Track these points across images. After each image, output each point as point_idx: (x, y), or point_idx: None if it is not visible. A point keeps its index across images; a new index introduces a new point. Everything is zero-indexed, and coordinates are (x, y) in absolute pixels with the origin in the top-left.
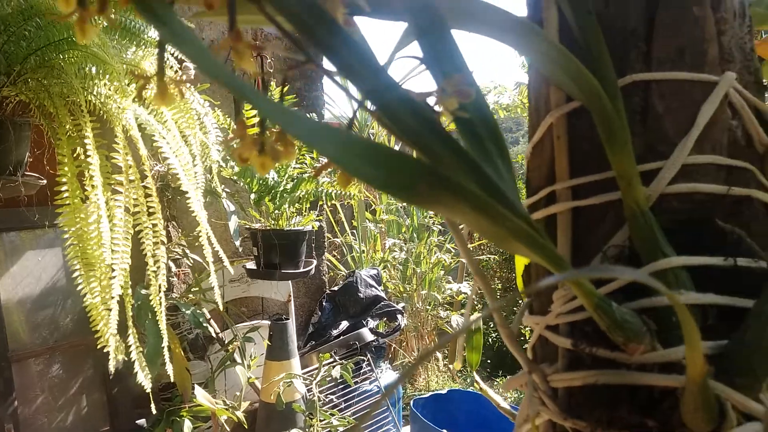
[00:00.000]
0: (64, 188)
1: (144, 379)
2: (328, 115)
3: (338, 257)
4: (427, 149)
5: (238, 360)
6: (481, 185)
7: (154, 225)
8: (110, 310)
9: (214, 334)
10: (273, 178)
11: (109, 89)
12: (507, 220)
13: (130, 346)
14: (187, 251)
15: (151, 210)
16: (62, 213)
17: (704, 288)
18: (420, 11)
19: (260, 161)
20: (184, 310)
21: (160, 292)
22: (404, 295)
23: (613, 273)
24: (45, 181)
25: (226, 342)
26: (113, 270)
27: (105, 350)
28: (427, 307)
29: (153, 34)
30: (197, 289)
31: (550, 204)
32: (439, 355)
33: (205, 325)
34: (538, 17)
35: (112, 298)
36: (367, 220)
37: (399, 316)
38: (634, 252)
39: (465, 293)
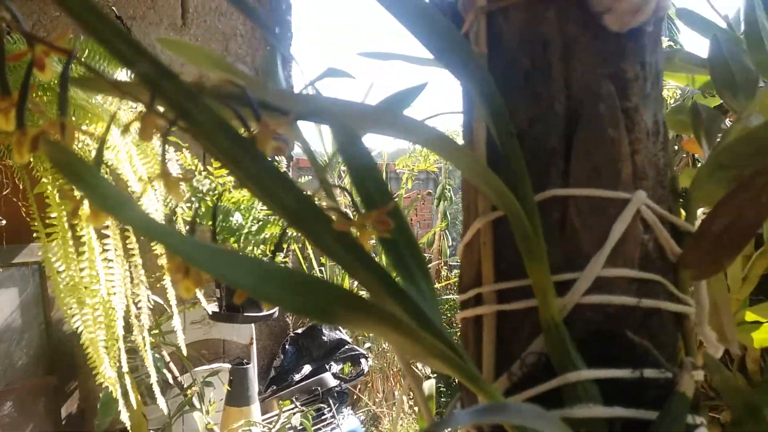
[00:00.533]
0: (46, 229)
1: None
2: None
3: None
4: (352, 272)
5: (197, 405)
6: (403, 307)
7: (135, 266)
8: (107, 348)
9: (172, 380)
10: (237, 221)
11: (87, 132)
12: (426, 340)
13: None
14: (149, 292)
15: (131, 252)
16: (45, 251)
17: (613, 399)
18: (339, 130)
19: (184, 286)
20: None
21: (143, 332)
22: (370, 335)
23: (524, 422)
24: (4, 222)
25: (185, 386)
26: (115, 310)
27: (101, 384)
28: None
29: (120, 76)
30: (157, 331)
31: (478, 304)
32: (404, 397)
33: (164, 370)
34: (469, 132)
35: (117, 340)
36: None
37: (363, 361)
38: (550, 360)
39: None
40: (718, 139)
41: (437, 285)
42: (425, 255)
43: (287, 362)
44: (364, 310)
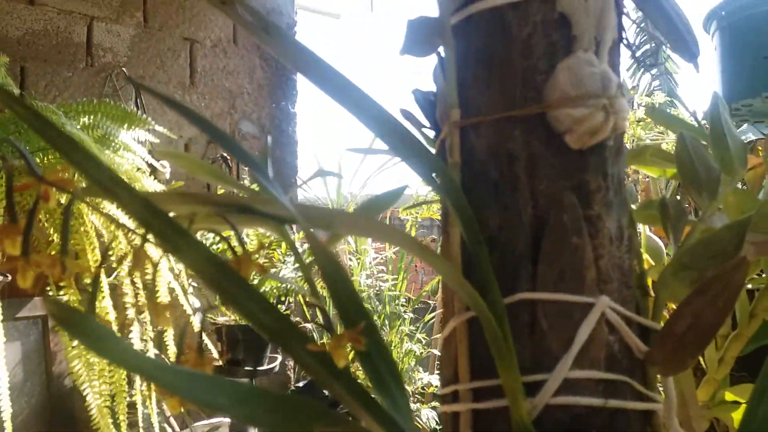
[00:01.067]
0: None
1: None
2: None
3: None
4: (328, 386)
5: None
6: (377, 419)
7: (143, 324)
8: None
9: None
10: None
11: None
12: None
13: None
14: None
15: (141, 309)
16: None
17: None
18: (312, 244)
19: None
20: (142, 408)
21: (150, 390)
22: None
23: None
24: (9, 277)
25: None
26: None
27: None
28: None
29: (123, 137)
30: None
31: (455, 401)
32: None
33: (164, 425)
34: (446, 234)
35: (124, 398)
36: None
37: None
38: None
39: (436, 385)
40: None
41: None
42: (429, 303)
43: None
44: (340, 427)
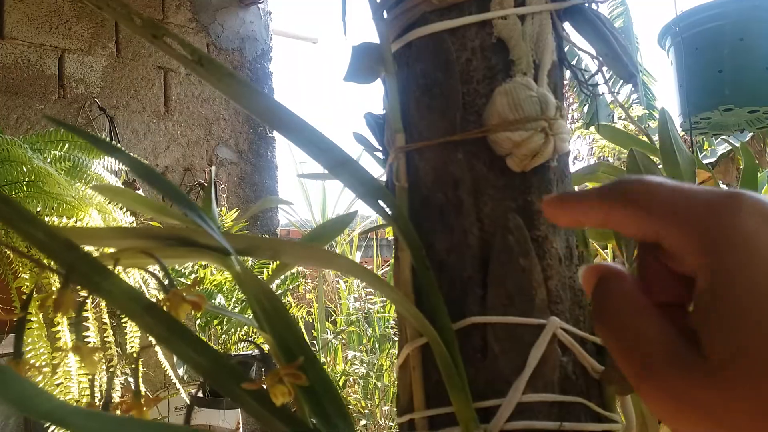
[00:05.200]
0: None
1: None
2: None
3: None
4: (268, 425)
5: None
6: None
7: (110, 360)
8: None
9: None
10: (220, 303)
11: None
12: None
13: None
14: (131, 380)
15: (107, 344)
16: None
17: None
18: (253, 290)
19: None
20: None
21: None
22: (365, 411)
23: None
24: None
25: None
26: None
27: None
28: (390, 423)
29: (95, 168)
30: None
31: (411, 429)
32: None
33: None
34: (397, 259)
35: None
36: (328, 330)
37: None
38: None
39: None
40: None
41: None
42: None
43: None
44: None
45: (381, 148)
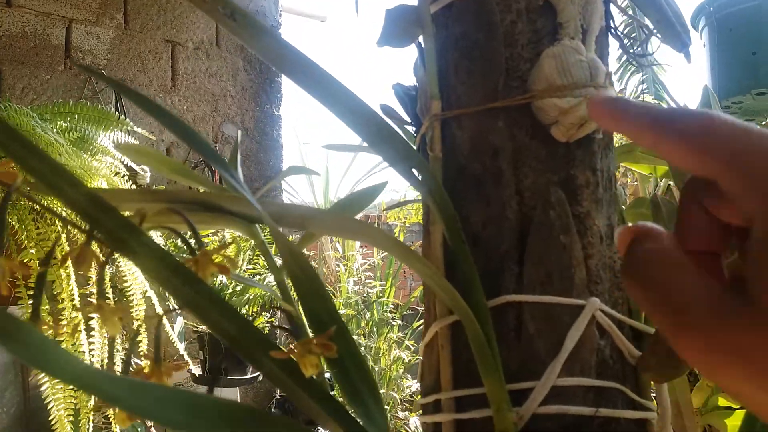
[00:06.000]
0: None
1: None
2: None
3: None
4: (295, 396)
5: None
6: (346, 427)
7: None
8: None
9: None
10: (222, 281)
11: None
12: None
13: None
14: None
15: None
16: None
17: None
18: (282, 247)
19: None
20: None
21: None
22: None
23: None
24: None
25: None
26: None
27: None
28: (386, 407)
29: (102, 140)
30: None
31: (437, 411)
32: None
33: None
34: (427, 232)
35: (89, 412)
36: None
37: None
38: None
39: None
40: None
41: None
42: (418, 309)
43: None
44: None
45: (410, 121)
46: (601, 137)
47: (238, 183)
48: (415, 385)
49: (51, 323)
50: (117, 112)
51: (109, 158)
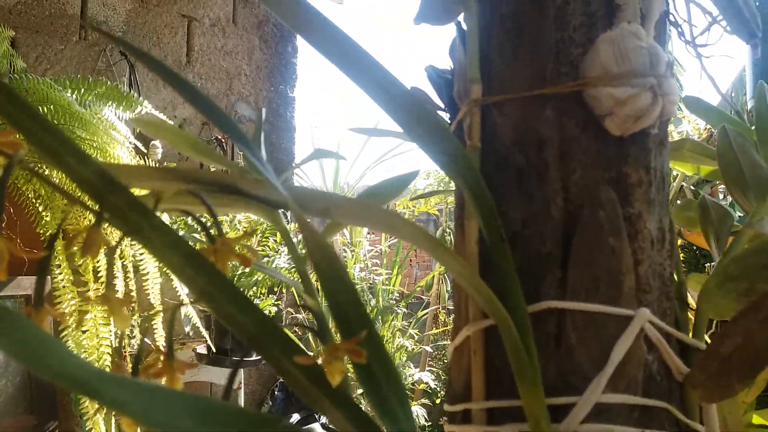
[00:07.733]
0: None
1: None
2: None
3: (299, 335)
4: (318, 405)
5: None
6: None
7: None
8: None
9: None
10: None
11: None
12: None
13: None
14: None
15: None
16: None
17: None
18: (308, 237)
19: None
20: None
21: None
22: None
23: None
24: None
25: None
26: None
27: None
28: None
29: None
30: None
31: (465, 421)
32: None
33: None
34: (461, 228)
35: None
36: None
37: None
38: None
39: (426, 382)
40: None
41: (435, 331)
42: (423, 299)
43: (275, 410)
44: None
45: (443, 106)
46: (656, 132)
47: (262, 164)
48: (417, 374)
49: (53, 311)
50: (131, 86)
51: (116, 134)
